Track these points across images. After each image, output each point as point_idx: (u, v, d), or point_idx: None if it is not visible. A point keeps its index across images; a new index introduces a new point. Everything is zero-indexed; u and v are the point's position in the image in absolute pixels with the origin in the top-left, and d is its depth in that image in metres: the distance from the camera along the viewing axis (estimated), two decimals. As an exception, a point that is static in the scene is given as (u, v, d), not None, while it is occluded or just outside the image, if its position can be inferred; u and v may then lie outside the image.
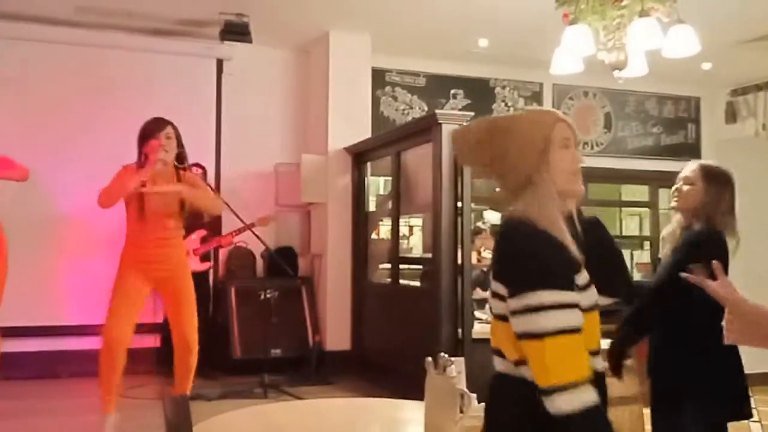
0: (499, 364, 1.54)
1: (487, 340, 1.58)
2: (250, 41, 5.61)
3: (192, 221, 5.16)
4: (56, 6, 5.37)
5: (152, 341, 5.31)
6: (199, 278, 5.47)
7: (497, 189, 1.60)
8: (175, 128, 3.84)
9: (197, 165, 5.42)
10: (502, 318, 1.49)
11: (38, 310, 5.37)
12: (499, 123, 1.59)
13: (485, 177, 1.63)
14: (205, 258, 5.48)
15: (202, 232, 5.37)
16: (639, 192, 7.05)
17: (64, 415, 4.38)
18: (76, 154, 5.45)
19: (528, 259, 1.45)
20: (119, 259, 3.80)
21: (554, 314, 1.39)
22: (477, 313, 4.89)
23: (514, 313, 1.43)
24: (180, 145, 3.85)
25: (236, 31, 5.57)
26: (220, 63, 6.11)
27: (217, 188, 5.76)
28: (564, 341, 1.39)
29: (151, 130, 3.76)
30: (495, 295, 1.51)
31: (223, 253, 6.04)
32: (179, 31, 5.93)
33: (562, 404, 1.36)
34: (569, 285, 1.44)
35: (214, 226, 5.56)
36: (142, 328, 3.85)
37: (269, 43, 6.14)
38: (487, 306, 1.49)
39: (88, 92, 5.65)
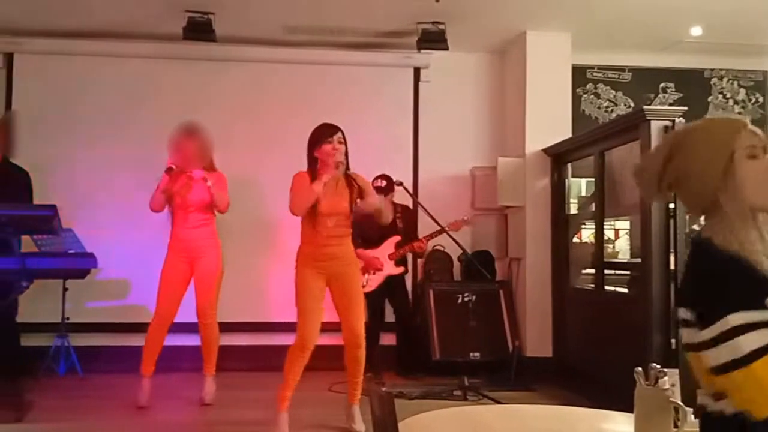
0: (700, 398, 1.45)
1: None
2: (446, 48, 5.69)
3: (387, 228, 5.33)
4: (267, 28, 5.84)
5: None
6: (397, 282, 5.65)
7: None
8: (343, 134, 3.96)
9: (383, 177, 5.58)
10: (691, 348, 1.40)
11: (251, 307, 5.83)
12: (677, 140, 1.48)
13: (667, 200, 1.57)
14: (399, 263, 5.62)
15: (397, 238, 5.52)
16: None
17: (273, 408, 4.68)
18: (285, 162, 5.85)
19: (713, 283, 1.35)
20: (296, 257, 3.97)
21: (751, 336, 1.28)
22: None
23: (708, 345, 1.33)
24: (345, 153, 3.96)
25: (433, 39, 5.67)
26: (417, 71, 6.27)
27: (414, 193, 5.90)
28: None
29: (323, 134, 3.91)
30: (684, 322, 1.41)
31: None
32: (378, 43, 6.16)
33: None
34: (757, 305, 1.30)
35: (409, 231, 5.69)
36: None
37: (464, 48, 6.17)
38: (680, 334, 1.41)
39: (295, 105, 6.01)
